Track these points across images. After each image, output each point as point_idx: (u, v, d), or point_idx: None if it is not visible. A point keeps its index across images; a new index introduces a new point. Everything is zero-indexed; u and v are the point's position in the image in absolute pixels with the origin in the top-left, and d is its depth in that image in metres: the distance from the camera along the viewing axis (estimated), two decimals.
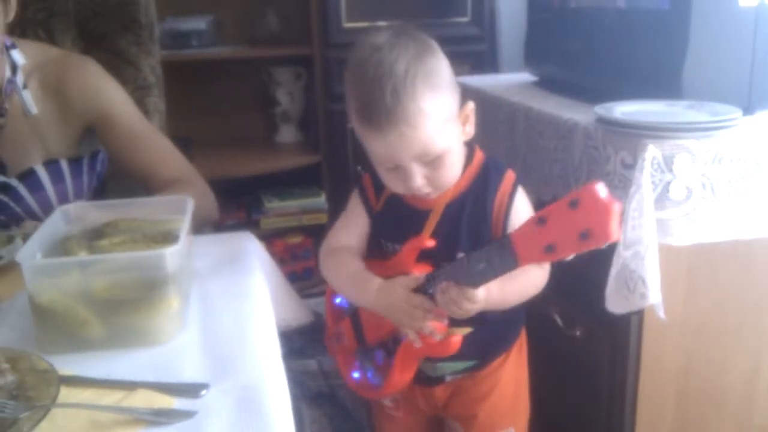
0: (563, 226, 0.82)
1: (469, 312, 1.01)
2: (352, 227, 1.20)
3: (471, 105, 1.09)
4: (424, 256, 1.09)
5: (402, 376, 1.16)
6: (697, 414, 1.32)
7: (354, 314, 1.22)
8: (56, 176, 1.40)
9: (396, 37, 1.03)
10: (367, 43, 1.04)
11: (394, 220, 1.16)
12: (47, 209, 1.32)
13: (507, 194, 1.11)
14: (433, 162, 1.04)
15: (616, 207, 0.79)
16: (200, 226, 1.36)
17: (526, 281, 1.10)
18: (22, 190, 1.37)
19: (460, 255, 0.98)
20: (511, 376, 1.25)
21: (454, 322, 1.08)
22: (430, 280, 1.03)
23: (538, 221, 0.84)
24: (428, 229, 1.11)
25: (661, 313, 1.17)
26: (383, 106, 0.99)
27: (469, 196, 1.11)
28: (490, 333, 1.16)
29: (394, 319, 1.09)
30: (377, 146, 1.04)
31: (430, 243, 1.09)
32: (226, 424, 0.75)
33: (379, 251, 1.18)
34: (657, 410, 1.31)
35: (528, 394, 1.30)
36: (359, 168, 2.69)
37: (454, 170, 1.08)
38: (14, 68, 1.36)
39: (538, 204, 1.47)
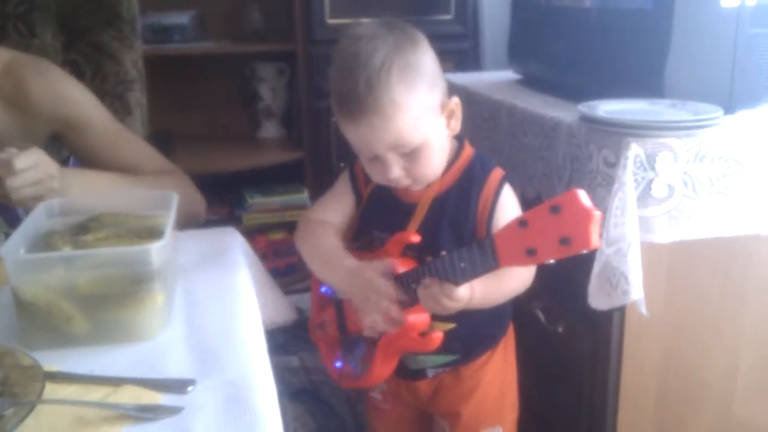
0: (544, 231, 0.83)
1: (450, 309, 1.01)
2: (335, 204, 1.21)
3: (455, 100, 1.09)
4: (409, 248, 1.10)
5: (382, 368, 1.17)
6: (677, 409, 1.34)
7: (338, 303, 1.22)
8: None
9: (378, 29, 1.04)
10: (350, 33, 1.05)
11: (381, 210, 1.16)
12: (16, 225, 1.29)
13: (492, 191, 1.11)
14: (410, 154, 1.04)
15: (597, 215, 0.79)
16: (188, 221, 1.35)
17: (511, 281, 1.10)
18: None
19: (443, 252, 0.99)
20: (496, 375, 1.25)
21: (437, 318, 1.09)
22: (414, 275, 1.03)
23: (520, 224, 0.85)
24: (414, 224, 1.12)
25: (644, 309, 1.18)
26: (356, 95, 1.00)
27: (454, 192, 1.12)
28: (472, 329, 1.16)
29: (357, 303, 1.10)
30: (352, 135, 1.05)
31: (416, 238, 1.09)
32: (213, 420, 0.75)
33: (366, 241, 1.18)
34: (638, 405, 1.32)
35: (516, 393, 1.31)
36: (342, 164, 2.68)
37: (433, 164, 1.08)
38: None
39: (522, 202, 1.48)
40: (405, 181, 1.08)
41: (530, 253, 0.85)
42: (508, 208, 1.11)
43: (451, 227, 1.11)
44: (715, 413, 1.36)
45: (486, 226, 1.10)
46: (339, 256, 1.12)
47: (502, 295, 1.12)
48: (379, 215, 1.16)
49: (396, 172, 1.05)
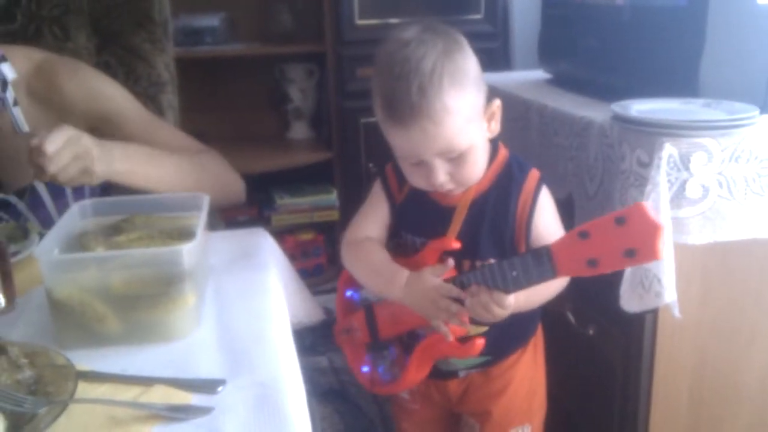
0: (607, 242, 0.83)
1: (498, 317, 1.01)
2: (374, 217, 1.20)
3: (497, 102, 1.08)
4: (446, 253, 1.09)
5: (417, 373, 1.16)
6: (711, 412, 1.32)
7: (369, 308, 1.21)
8: (57, 191, 1.35)
9: (424, 33, 1.03)
10: (395, 38, 1.04)
11: (417, 213, 1.15)
12: (49, 225, 1.31)
13: (531, 193, 1.10)
14: (456, 159, 1.04)
15: (663, 226, 0.81)
16: (227, 201, 1.36)
17: (549, 286, 1.09)
18: (21, 206, 1.34)
19: (491, 261, 0.98)
20: (526, 374, 1.25)
21: (471, 322, 1.08)
22: (458, 282, 1.03)
23: (580, 235, 0.85)
24: (453, 228, 1.11)
25: (677, 312, 1.16)
26: (408, 101, 0.99)
27: (492, 195, 1.11)
28: (504, 330, 1.15)
29: (423, 310, 1.08)
30: (401, 141, 1.04)
31: (456, 245, 1.08)
32: (243, 420, 0.75)
33: (398, 243, 1.18)
34: (671, 409, 1.30)
35: (545, 392, 1.30)
36: (371, 165, 2.69)
37: (477, 167, 1.08)
38: (4, 84, 1.28)
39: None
40: (449, 186, 1.07)
41: (591, 264, 0.85)
42: (546, 209, 1.11)
43: (491, 231, 1.10)
44: (751, 416, 1.34)
45: (525, 229, 1.10)
46: (395, 269, 1.11)
47: (541, 299, 1.12)
48: (415, 219, 1.15)
49: (441, 177, 1.05)
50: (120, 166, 1.17)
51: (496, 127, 1.09)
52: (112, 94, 1.38)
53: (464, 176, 1.06)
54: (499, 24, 2.67)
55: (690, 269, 1.21)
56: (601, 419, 1.44)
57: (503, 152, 1.14)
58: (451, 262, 1.05)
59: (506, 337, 1.19)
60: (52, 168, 1.07)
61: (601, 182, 1.31)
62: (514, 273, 0.94)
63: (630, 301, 1.19)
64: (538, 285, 0.96)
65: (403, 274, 1.09)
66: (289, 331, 0.96)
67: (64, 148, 1.08)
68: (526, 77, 1.90)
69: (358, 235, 1.19)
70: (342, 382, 2.20)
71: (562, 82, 1.73)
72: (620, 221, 0.82)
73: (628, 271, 1.17)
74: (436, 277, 1.05)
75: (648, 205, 0.81)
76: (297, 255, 2.77)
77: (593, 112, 1.37)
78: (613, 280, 1.20)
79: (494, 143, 1.14)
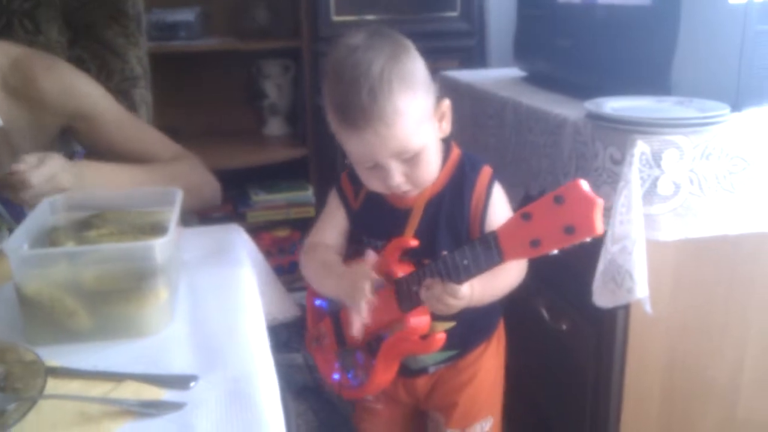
0: (548, 222, 0.84)
1: (454, 308, 1.03)
2: (330, 225, 1.22)
3: (447, 102, 1.10)
4: (406, 254, 1.10)
5: (384, 375, 1.17)
6: (682, 408, 1.33)
7: (335, 315, 1.23)
8: None
9: (372, 38, 1.05)
10: (343, 43, 1.05)
11: (375, 218, 1.17)
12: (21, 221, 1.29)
13: (484, 189, 1.12)
14: (411, 160, 1.05)
15: (600, 202, 0.82)
16: (203, 205, 1.36)
17: (507, 277, 1.12)
18: None
19: (444, 252, 1.00)
20: (491, 366, 1.27)
21: (436, 318, 1.10)
22: (415, 278, 1.04)
23: (523, 216, 0.87)
24: (410, 228, 1.13)
25: (648, 308, 1.18)
26: (360, 105, 1.00)
27: (447, 194, 1.13)
28: (469, 324, 1.18)
29: (346, 300, 1.11)
30: (355, 145, 1.05)
31: (414, 243, 1.10)
32: (215, 415, 0.75)
33: (359, 248, 1.19)
34: (642, 404, 1.32)
35: (503, 385, 1.32)
36: (347, 161, 2.68)
37: (432, 167, 1.10)
38: None
39: (526, 199, 1.48)
40: (405, 187, 1.08)
41: (534, 244, 0.86)
42: (499, 204, 1.13)
43: (448, 228, 1.12)
44: (721, 411, 1.35)
45: (479, 224, 1.12)
46: (333, 266, 1.15)
47: (499, 291, 1.14)
48: (373, 223, 1.17)
49: (397, 179, 1.06)
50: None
51: (447, 127, 1.12)
52: (88, 92, 1.37)
53: (419, 176, 1.08)
54: (476, 22, 2.68)
55: (661, 265, 1.23)
56: (574, 414, 1.45)
57: (456, 152, 1.16)
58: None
59: (472, 330, 1.21)
60: (27, 197, 1.07)
61: (574, 179, 1.31)
62: (465, 262, 0.95)
63: (602, 297, 1.20)
64: (491, 273, 0.98)
65: (341, 269, 1.13)
66: (263, 326, 0.96)
67: (47, 182, 1.08)
68: (502, 75, 1.90)
69: (313, 242, 1.22)
70: (317, 380, 2.20)
71: (537, 79, 1.74)
72: (558, 200, 0.83)
73: (601, 267, 1.18)
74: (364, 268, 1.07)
75: (583, 182, 0.82)
76: (273, 251, 2.76)
77: (567, 109, 1.38)
78: (586, 276, 1.21)
79: (447, 143, 1.16)
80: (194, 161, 1.40)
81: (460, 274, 0.97)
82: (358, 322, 1.10)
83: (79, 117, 1.35)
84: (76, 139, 1.40)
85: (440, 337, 1.09)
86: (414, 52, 1.07)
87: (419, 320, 1.09)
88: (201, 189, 1.36)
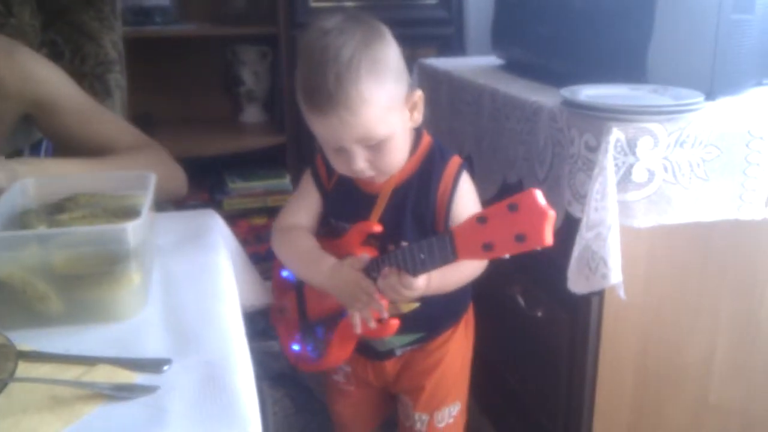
0: (501, 227, 0.86)
1: (407, 298, 1.05)
2: (304, 205, 1.22)
3: (419, 93, 1.10)
4: (371, 238, 1.12)
5: (339, 351, 1.19)
6: (654, 392, 1.35)
7: (299, 289, 1.24)
8: None
9: (346, 22, 1.04)
10: (317, 26, 1.05)
11: (344, 201, 1.18)
12: None
13: (451, 179, 1.12)
14: (376, 146, 1.05)
15: (551, 214, 0.83)
16: (168, 196, 1.34)
17: (466, 270, 1.13)
18: None
19: (404, 243, 1.01)
20: (458, 350, 1.28)
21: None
22: (374, 265, 1.05)
23: (479, 220, 0.88)
24: (375, 213, 1.14)
25: (622, 293, 1.19)
26: (326, 90, 1.00)
27: (414, 182, 1.14)
28: (436, 307, 1.19)
29: (342, 299, 1.11)
30: (321, 129, 1.06)
31: (377, 228, 1.11)
32: (189, 398, 0.74)
33: (328, 229, 1.20)
34: (616, 389, 1.33)
35: (470, 371, 1.34)
36: (317, 144, 2.67)
37: (398, 156, 1.10)
38: None
39: (504, 186, 1.49)
40: (369, 173, 1.09)
41: (486, 248, 0.87)
42: (466, 195, 1.13)
43: (414, 216, 1.13)
44: (692, 396, 1.37)
45: (445, 214, 1.12)
46: (318, 257, 1.14)
47: (457, 282, 1.14)
48: (342, 206, 1.18)
49: (360, 164, 1.06)
50: None
51: (418, 117, 1.11)
52: (47, 79, 1.33)
53: (383, 164, 1.08)
54: (454, 10, 2.68)
55: (635, 252, 1.24)
56: (549, 398, 1.46)
57: (427, 140, 1.16)
58: (365, 256, 1.07)
59: (439, 313, 1.23)
60: None
61: (550, 166, 1.32)
62: (422, 256, 0.96)
63: (577, 283, 1.21)
64: (450, 267, 0.99)
65: (328, 261, 1.12)
66: (239, 310, 0.95)
67: None
68: (480, 63, 1.90)
69: (288, 222, 1.22)
70: (293, 367, 2.20)
71: (514, 67, 1.75)
72: (513, 207, 0.84)
73: (576, 253, 1.19)
74: (355, 269, 1.07)
75: (538, 192, 0.83)
76: (250, 239, 2.74)
77: (544, 97, 1.39)
78: (561, 263, 1.22)
79: (418, 131, 1.16)
80: (159, 152, 1.36)
81: (416, 267, 0.98)
82: (359, 319, 1.10)
83: (37, 104, 1.31)
84: (36, 126, 1.37)
85: (394, 323, 1.11)
86: (388, 39, 1.06)
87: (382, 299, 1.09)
88: (166, 181, 1.34)
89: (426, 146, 1.15)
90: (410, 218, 1.12)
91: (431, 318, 1.20)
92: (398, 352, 1.25)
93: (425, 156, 1.15)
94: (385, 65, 1.03)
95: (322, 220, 1.22)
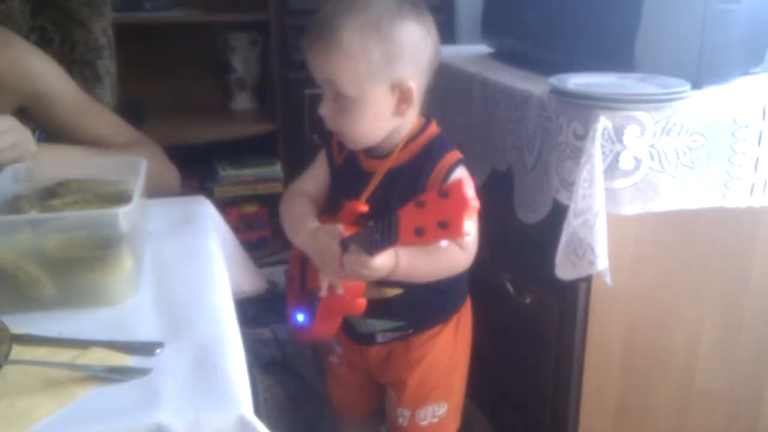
0: (432, 213, 0.85)
1: (366, 278, 1.06)
2: (312, 175, 1.25)
3: (412, 87, 1.09)
4: (361, 218, 1.12)
5: (323, 326, 1.21)
6: (641, 377, 1.37)
7: (303, 260, 1.25)
8: None
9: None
10: None
11: (346, 176, 1.20)
12: None
13: (443, 172, 1.12)
14: (342, 102, 1.08)
15: (473, 205, 0.82)
16: (160, 193, 1.34)
17: (441, 260, 1.12)
18: None
19: (370, 223, 1.01)
20: (445, 348, 1.27)
21: (385, 283, 1.13)
22: (346, 242, 1.06)
23: (417, 203, 0.87)
24: (366, 192, 1.15)
25: (608, 279, 1.20)
26: (322, 20, 1.05)
27: (408, 167, 1.14)
28: (418, 297, 1.19)
29: (315, 262, 1.14)
30: (307, 56, 1.10)
31: (363, 208, 1.12)
32: (181, 381, 0.75)
33: (333, 206, 1.21)
34: (602, 374, 1.35)
35: (465, 377, 1.33)
36: (315, 137, 2.67)
37: (360, 126, 1.10)
38: None
39: (494, 174, 1.50)
40: (330, 124, 1.12)
41: (418, 233, 0.87)
42: None
43: (400, 200, 1.11)
44: (678, 382, 1.39)
45: None
46: (304, 219, 1.16)
47: (431, 272, 1.13)
48: (344, 181, 1.21)
49: (324, 108, 1.11)
50: None
51: (406, 110, 1.11)
52: (44, 72, 1.34)
53: (343, 124, 1.11)
54: None
55: (622, 239, 1.25)
56: (537, 384, 1.48)
57: (432, 130, 1.17)
58: (338, 226, 1.08)
59: (423, 307, 1.22)
60: None
61: (539, 154, 1.33)
62: (377, 236, 0.96)
63: (564, 269, 1.22)
64: (424, 252, 1.03)
65: (309, 225, 1.14)
66: (230, 294, 0.96)
67: (7, 133, 1.07)
68: (470, 51, 1.91)
69: (294, 189, 1.25)
70: (285, 354, 2.20)
71: (504, 56, 1.75)
72: (444, 194, 0.84)
73: (563, 240, 1.21)
74: (329, 236, 1.08)
75: (468, 181, 0.83)
76: (241, 227, 2.75)
77: (532, 85, 1.39)
78: (550, 250, 1.23)
79: (427, 121, 1.17)
80: (153, 149, 1.38)
81: (372, 247, 0.98)
82: (324, 281, 1.12)
83: (33, 98, 1.32)
84: (31, 119, 1.36)
85: (360, 302, 1.12)
86: (416, 23, 1.08)
87: (352, 282, 1.11)
88: (160, 179, 1.34)
89: (429, 136, 1.16)
90: (397, 202, 1.11)
91: (413, 307, 1.20)
92: (379, 338, 1.25)
93: (426, 144, 1.15)
94: (385, 37, 1.04)
95: (328, 197, 1.24)
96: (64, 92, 1.35)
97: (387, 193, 1.14)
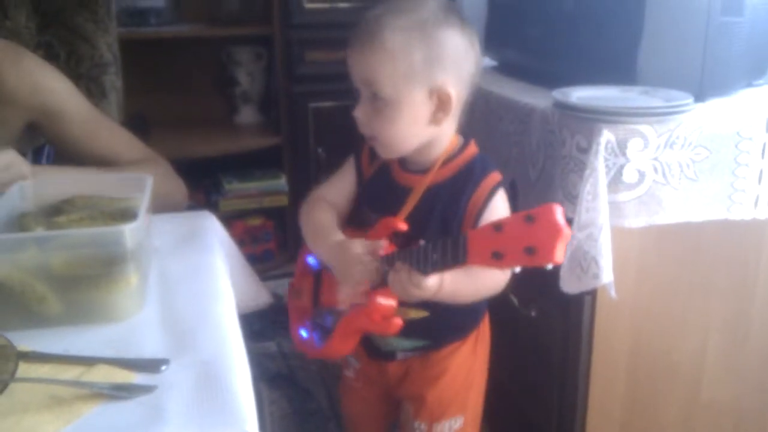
0: (514, 238, 0.83)
1: (415, 297, 1.02)
2: (338, 184, 1.23)
3: (451, 94, 1.07)
4: (396, 235, 1.10)
5: (341, 344, 1.19)
6: (646, 390, 1.37)
7: (318, 275, 1.24)
8: None
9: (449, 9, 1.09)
10: None
11: (378, 190, 1.18)
12: None
13: (485, 194, 1.10)
14: (378, 104, 1.07)
15: (567, 232, 0.80)
16: (167, 209, 1.35)
17: (483, 282, 1.10)
18: None
19: (421, 242, 0.99)
20: (462, 364, 1.26)
21: (410, 304, 1.10)
22: (389, 259, 1.04)
23: (494, 227, 0.86)
24: (405, 210, 1.12)
25: (613, 293, 1.20)
26: (368, 21, 1.06)
27: (449, 185, 1.12)
28: (441, 317, 1.16)
29: (337, 271, 1.11)
30: (348, 59, 1.09)
31: (403, 226, 1.09)
32: (187, 398, 0.75)
33: (360, 219, 1.19)
34: (608, 387, 1.35)
35: (483, 390, 1.31)
36: (320, 150, 2.68)
37: (394, 128, 1.08)
38: None
39: None
40: (364, 129, 1.11)
41: (496, 256, 0.85)
42: (497, 212, 1.11)
43: (441, 220, 1.11)
44: (684, 394, 1.39)
45: (472, 226, 1.10)
46: (328, 229, 1.14)
47: (472, 294, 1.12)
48: (375, 195, 1.18)
49: (360, 111, 1.09)
50: None
51: (443, 118, 1.09)
52: (55, 88, 1.34)
53: (378, 127, 1.09)
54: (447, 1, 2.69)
55: (626, 252, 1.25)
56: (543, 397, 1.48)
57: (472, 149, 1.15)
58: (381, 242, 1.06)
59: (445, 325, 1.21)
60: None
61: (543, 168, 1.34)
62: (434, 255, 0.95)
63: (569, 283, 1.23)
64: (466, 274, 1.00)
65: (334, 236, 1.12)
66: (234, 311, 0.96)
67: (4, 170, 1.07)
68: None
69: (317, 194, 1.22)
70: (290, 367, 2.21)
71: (507, 69, 1.76)
72: (530, 219, 0.82)
73: (568, 254, 1.21)
74: (364, 248, 1.06)
75: (557, 207, 0.81)
76: (246, 240, 2.76)
77: (536, 98, 1.40)
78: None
79: (467, 140, 1.16)
80: (163, 167, 1.38)
81: (428, 266, 0.97)
82: (345, 294, 1.11)
83: (45, 114, 1.32)
84: (41, 133, 1.38)
85: (397, 321, 1.09)
86: (458, 31, 1.07)
87: (384, 301, 1.09)
88: (168, 196, 1.34)
89: (469, 155, 1.14)
90: (437, 221, 1.11)
91: (436, 329, 1.19)
92: (399, 356, 1.25)
93: (466, 164, 1.13)
94: (429, 40, 1.04)
95: (355, 209, 1.22)
96: (74, 108, 1.36)
97: (426, 212, 1.11)
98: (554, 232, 0.80)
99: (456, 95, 1.08)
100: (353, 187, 1.23)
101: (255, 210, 2.81)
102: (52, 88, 1.34)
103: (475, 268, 0.99)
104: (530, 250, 0.82)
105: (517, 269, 0.88)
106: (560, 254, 0.81)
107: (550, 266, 0.82)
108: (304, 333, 1.26)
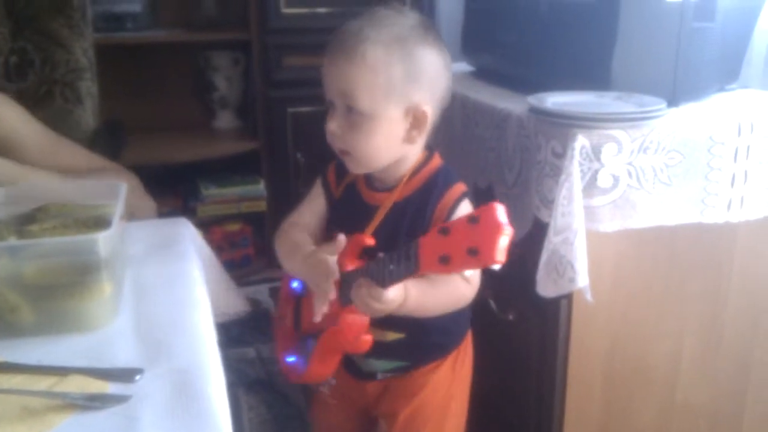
0: (459, 240, 0.82)
1: (378, 312, 1.01)
2: (309, 207, 1.23)
3: (426, 113, 1.08)
4: (366, 252, 1.09)
5: (321, 366, 1.18)
6: (622, 393, 1.38)
7: (298, 299, 1.23)
8: None
9: (422, 18, 1.11)
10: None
11: (347, 210, 1.17)
12: None
13: (449, 205, 1.10)
14: (353, 117, 1.06)
15: (507, 231, 0.80)
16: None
17: (449, 293, 1.10)
18: None
19: (380, 255, 0.98)
20: (441, 384, 1.24)
21: (388, 326, 1.10)
22: (354, 275, 1.03)
23: (441, 231, 0.85)
24: (372, 226, 1.12)
25: (589, 296, 1.21)
26: (348, 34, 1.05)
27: (415, 199, 1.12)
28: (419, 338, 1.17)
29: (311, 281, 1.09)
30: (324, 70, 1.08)
31: (370, 241, 1.08)
32: (161, 407, 0.75)
33: (332, 239, 1.18)
34: (585, 390, 1.35)
35: (464, 412, 1.30)
36: (299, 155, 2.68)
37: (369, 143, 1.08)
38: None
39: (475, 192, 1.50)
40: (338, 143, 1.09)
41: (443, 261, 0.84)
42: None
43: (408, 234, 1.11)
44: (660, 397, 1.40)
45: None
46: (301, 244, 1.13)
47: (439, 306, 1.10)
48: (344, 215, 1.18)
49: (333, 124, 1.08)
50: None
51: (416, 137, 1.09)
52: (9, 116, 1.34)
53: (352, 141, 1.07)
54: (425, 16, 2.69)
55: (602, 256, 1.26)
56: (520, 400, 1.49)
57: (436, 162, 1.15)
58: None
59: (422, 345, 1.20)
60: None
61: (519, 172, 1.35)
62: (391, 267, 0.94)
63: (545, 287, 1.23)
64: (432, 285, 1.00)
65: (307, 249, 1.11)
66: (210, 319, 0.96)
67: None
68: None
69: (290, 221, 1.22)
70: (269, 373, 2.20)
71: (484, 74, 1.77)
72: (473, 220, 0.81)
73: (544, 257, 1.22)
74: (329, 254, 1.05)
75: (499, 206, 0.80)
76: (224, 246, 2.74)
77: (512, 104, 1.41)
78: (532, 268, 1.24)
79: (430, 152, 1.16)
80: (127, 178, 1.36)
81: (385, 279, 0.95)
82: (319, 307, 1.08)
83: (1, 142, 1.32)
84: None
85: (367, 338, 1.08)
86: (436, 51, 1.08)
87: (353, 318, 1.07)
88: (135, 208, 1.33)
89: (433, 168, 1.14)
90: (405, 235, 1.10)
91: (416, 349, 1.19)
92: (379, 377, 1.24)
93: (430, 176, 1.13)
94: (409, 56, 1.04)
95: (327, 230, 1.21)
96: (32, 136, 1.36)
97: (394, 227, 1.11)
98: (495, 230, 0.79)
99: (431, 114, 1.09)
100: (324, 209, 1.22)
101: (233, 215, 2.79)
102: (6, 116, 1.34)
103: (441, 278, 0.99)
104: (473, 252, 0.81)
105: (470, 272, 0.86)
106: (501, 254, 0.80)
107: (497, 267, 0.82)
108: (289, 359, 1.26)
